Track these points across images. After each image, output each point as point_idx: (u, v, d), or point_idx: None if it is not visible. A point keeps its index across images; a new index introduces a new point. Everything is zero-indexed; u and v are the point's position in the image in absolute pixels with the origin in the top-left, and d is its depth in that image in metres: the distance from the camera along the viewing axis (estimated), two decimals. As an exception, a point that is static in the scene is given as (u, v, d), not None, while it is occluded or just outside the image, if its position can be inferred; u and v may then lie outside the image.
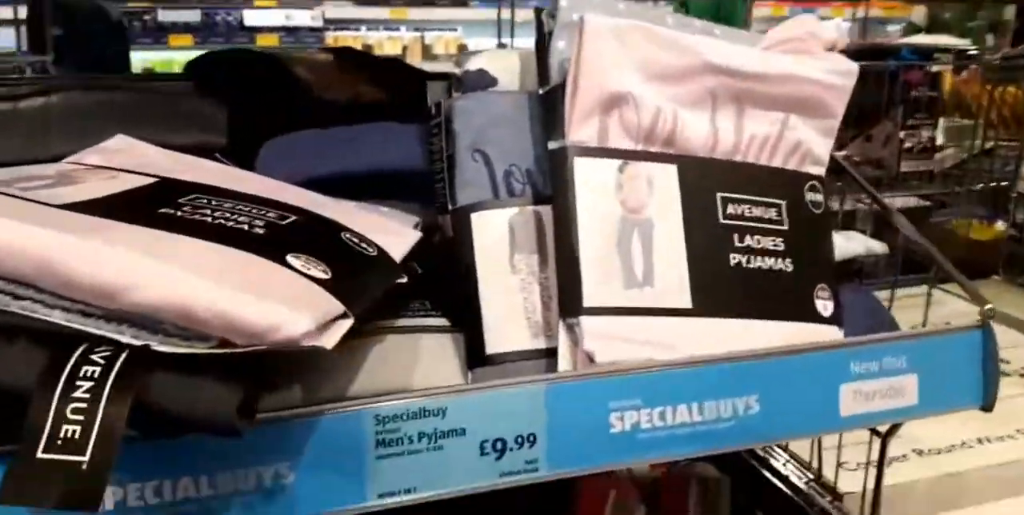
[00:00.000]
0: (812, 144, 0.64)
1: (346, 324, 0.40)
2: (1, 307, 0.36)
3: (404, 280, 0.52)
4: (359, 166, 0.66)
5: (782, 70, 0.61)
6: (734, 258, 0.58)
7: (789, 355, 0.53)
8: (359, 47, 4.18)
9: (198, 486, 0.42)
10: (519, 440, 0.47)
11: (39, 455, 0.33)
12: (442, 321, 0.58)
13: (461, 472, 0.46)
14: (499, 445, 0.47)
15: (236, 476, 0.42)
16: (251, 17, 4.41)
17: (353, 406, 0.44)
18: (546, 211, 0.57)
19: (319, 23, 4.40)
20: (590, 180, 0.56)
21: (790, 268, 0.60)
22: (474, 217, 0.58)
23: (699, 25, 0.65)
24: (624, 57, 0.56)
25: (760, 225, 0.60)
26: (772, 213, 0.61)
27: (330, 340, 0.38)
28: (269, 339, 0.35)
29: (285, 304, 0.36)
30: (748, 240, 0.59)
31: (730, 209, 0.59)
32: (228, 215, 0.46)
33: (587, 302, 0.53)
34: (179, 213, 0.44)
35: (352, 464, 0.44)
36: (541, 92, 0.59)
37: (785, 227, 0.61)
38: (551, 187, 0.57)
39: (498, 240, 0.57)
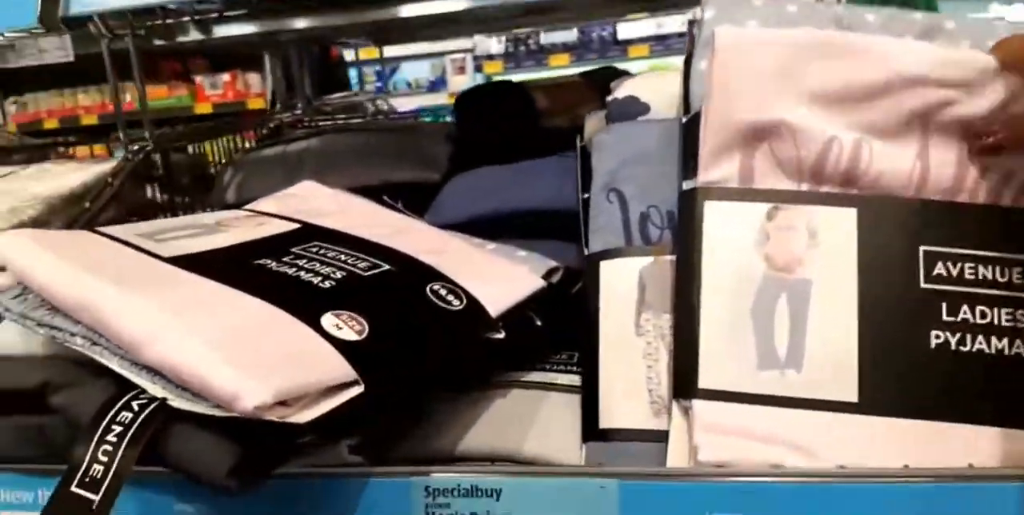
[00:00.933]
0: None
1: (352, 392, 0.38)
2: (85, 350, 0.42)
3: (500, 335, 0.48)
4: (515, 205, 0.63)
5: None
6: (938, 337, 0.42)
7: (980, 481, 0.37)
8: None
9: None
10: (585, 540, 0.40)
11: (72, 489, 0.37)
12: (577, 379, 0.53)
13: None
14: (560, 542, 0.41)
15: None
16: (624, 30, 4.56)
17: (403, 473, 0.42)
18: (687, 262, 0.48)
19: (689, 27, 4.38)
20: (724, 229, 0.45)
21: None
22: (603, 266, 0.51)
23: (919, 20, 0.48)
24: (774, 76, 0.44)
25: (988, 291, 0.43)
26: (1014, 274, 0.43)
27: (306, 414, 0.36)
28: (234, 408, 0.35)
29: (256, 374, 0.36)
30: (964, 312, 0.42)
31: (939, 268, 0.43)
32: (318, 267, 0.47)
33: (703, 382, 0.43)
34: (273, 263, 0.47)
35: (401, 533, 0.42)
36: (683, 120, 0.50)
37: None
38: (677, 231, 0.47)
39: (626, 294, 0.49)
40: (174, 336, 0.38)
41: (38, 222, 0.65)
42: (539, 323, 0.53)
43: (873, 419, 0.41)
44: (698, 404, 0.42)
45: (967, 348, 0.42)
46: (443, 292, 0.48)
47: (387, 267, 0.49)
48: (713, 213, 0.45)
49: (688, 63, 0.50)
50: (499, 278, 0.53)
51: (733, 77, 0.44)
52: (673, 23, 4.52)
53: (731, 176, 0.45)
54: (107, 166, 0.77)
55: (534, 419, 0.51)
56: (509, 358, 0.54)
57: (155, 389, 0.39)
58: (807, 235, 0.44)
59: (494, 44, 4.61)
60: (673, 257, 0.49)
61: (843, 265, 0.43)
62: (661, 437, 0.45)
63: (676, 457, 0.43)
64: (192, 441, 0.38)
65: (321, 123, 1.13)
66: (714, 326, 0.43)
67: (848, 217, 0.44)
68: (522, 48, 4.71)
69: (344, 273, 0.47)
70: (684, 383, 0.43)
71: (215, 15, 0.80)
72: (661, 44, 4.52)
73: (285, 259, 0.48)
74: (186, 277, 0.45)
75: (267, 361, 0.37)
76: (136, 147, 0.77)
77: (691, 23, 0.51)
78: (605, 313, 0.50)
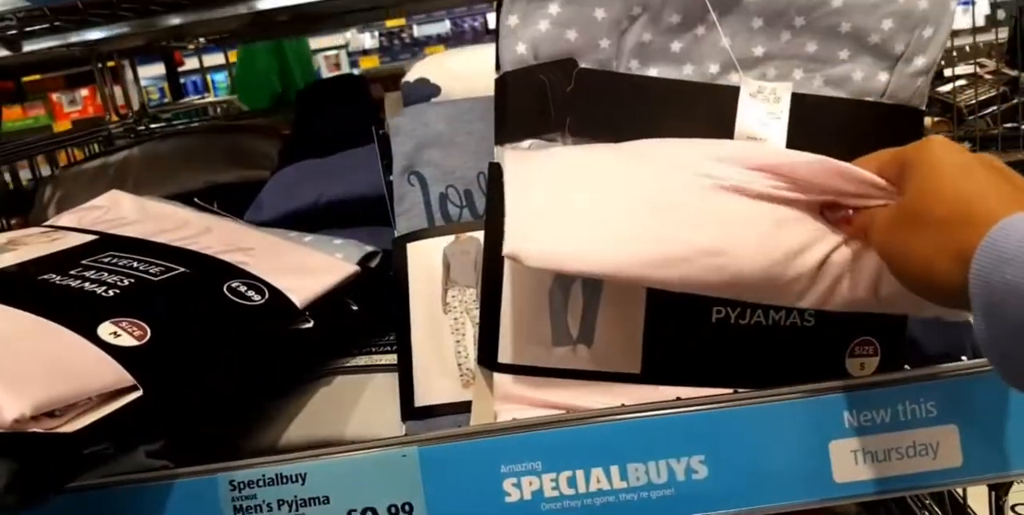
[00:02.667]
0: None
1: (129, 397, 0.38)
2: None
3: (309, 325, 0.49)
4: (336, 193, 0.63)
5: None
6: (718, 312, 0.45)
7: (747, 403, 0.40)
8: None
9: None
10: (392, 510, 0.42)
11: None
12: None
13: (329, 539, 0.42)
14: None
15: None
16: (494, 19, 4.56)
17: (207, 471, 0.43)
18: (484, 237, 0.50)
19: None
20: None
21: (811, 322, 0.45)
22: (410, 247, 0.52)
23: None
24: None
25: None
26: None
27: (74, 424, 0.36)
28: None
29: (15, 387, 0.36)
30: None
31: None
32: (105, 276, 0.47)
33: (503, 357, 0.45)
34: (56, 278, 0.46)
35: (212, 529, 0.43)
36: (495, 78, 0.51)
37: None
38: (485, 210, 0.49)
39: (432, 273, 0.51)
40: None
41: None
42: (355, 308, 0.54)
43: (653, 388, 0.44)
44: (498, 377, 0.44)
45: (746, 321, 0.45)
46: (242, 288, 0.48)
47: (181, 270, 0.49)
48: None
49: (498, 18, 0.49)
50: (308, 269, 0.53)
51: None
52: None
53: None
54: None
55: (357, 402, 0.52)
56: (327, 346, 0.54)
57: None
58: None
59: (368, 39, 4.54)
60: (472, 234, 0.51)
61: None
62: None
63: (479, 418, 0.45)
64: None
65: (155, 132, 1.10)
66: (515, 303, 0.45)
67: None
68: (396, 41, 4.66)
69: (132, 280, 0.47)
70: (486, 356, 0.45)
71: (14, 32, 0.76)
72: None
73: (72, 272, 0.47)
74: None
75: (28, 373, 0.37)
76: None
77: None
78: (415, 293, 0.51)
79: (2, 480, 0.36)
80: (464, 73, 0.57)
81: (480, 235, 0.50)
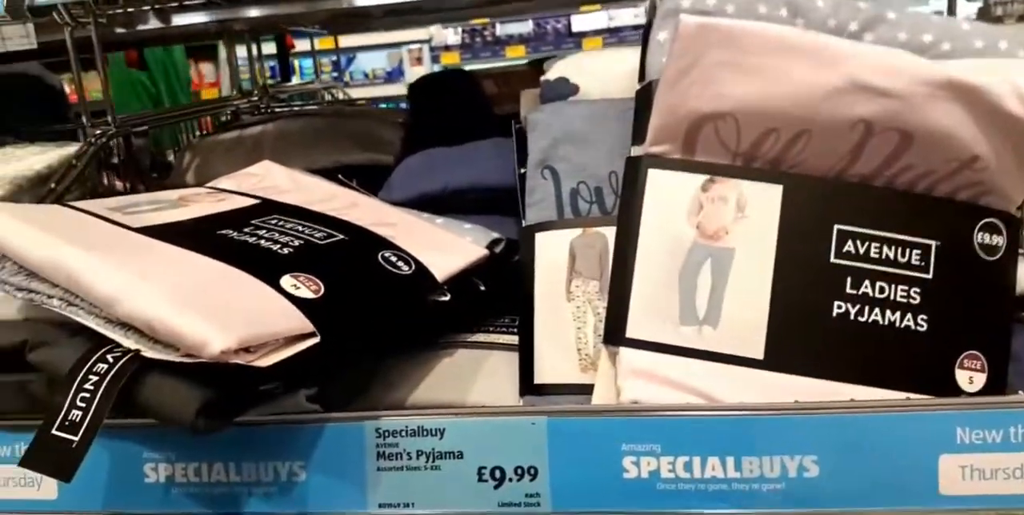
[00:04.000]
0: (1003, 178, 0.49)
1: (309, 342, 0.43)
2: (61, 311, 0.46)
3: (446, 298, 0.53)
4: (462, 182, 0.68)
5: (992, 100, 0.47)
6: (839, 307, 0.48)
7: (865, 411, 0.43)
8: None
9: (228, 472, 0.48)
10: (519, 471, 0.46)
11: (53, 432, 0.41)
12: (515, 339, 0.58)
13: (459, 494, 0.46)
14: (497, 474, 0.46)
15: (258, 468, 0.48)
16: (578, 22, 4.61)
17: (355, 418, 0.47)
18: (611, 233, 0.54)
19: (642, 20, 4.45)
20: (663, 196, 0.50)
21: (924, 327, 0.48)
22: (538, 237, 0.56)
23: (863, 9, 0.52)
24: (731, 70, 0.48)
25: (889, 270, 0.48)
26: (913, 255, 0.48)
27: (268, 360, 0.41)
28: (203, 354, 0.40)
29: (220, 323, 0.41)
30: (865, 287, 0.48)
31: (848, 246, 0.48)
32: (276, 236, 0.52)
33: (631, 332, 0.49)
34: (234, 233, 0.52)
35: (355, 472, 0.47)
36: (638, 87, 0.54)
37: (929, 275, 0.48)
38: (620, 199, 0.53)
39: (558, 263, 0.55)
40: (144, 292, 0.43)
41: (5, 201, 0.68)
42: (483, 288, 0.58)
43: (775, 375, 0.47)
44: (625, 351, 0.48)
45: (864, 319, 0.48)
46: (393, 259, 0.53)
47: (341, 237, 0.54)
48: (655, 180, 0.50)
49: (647, 31, 0.53)
50: (445, 248, 0.58)
51: (691, 66, 0.48)
52: (625, 15, 4.59)
53: (675, 149, 0.50)
54: (70, 149, 0.80)
55: (477, 375, 0.57)
56: (455, 320, 0.59)
57: (128, 342, 0.43)
58: (736, 207, 0.49)
59: (451, 35, 4.62)
60: (599, 229, 0.55)
61: (764, 237, 0.49)
62: (587, 390, 0.51)
63: (601, 398, 0.49)
64: (163, 387, 0.42)
65: (277, 110, 1.16)
66: (645, 283, 0.49)
67: (774, 193, 0.49)
68: (478, 39, 4.73)
69: (301, 242, 0.52)
70: (614, 332, 0.49)
71: (175, 4, 0.83)
72: (614, 36, 4.59)
73: (246, 230, 0.53)
74: (154, 244, 0.49)
75: (231, 313, 0.42)
76: (99, 131, 0.79)
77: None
78: (540, 280, 0.56)
79: (196, 405, 0.41)
80: (602, 75, 0.61)
81: (607, 231, 0.54)
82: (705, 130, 0.50)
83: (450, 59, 4.59)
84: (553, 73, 0.62)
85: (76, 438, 0.41)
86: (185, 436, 0.48)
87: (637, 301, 0.49)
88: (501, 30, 4.82)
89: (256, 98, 1.14)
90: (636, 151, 0.52)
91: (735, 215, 0.50)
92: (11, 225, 0.49)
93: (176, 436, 0.48)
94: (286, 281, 0.46)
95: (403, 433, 0.47)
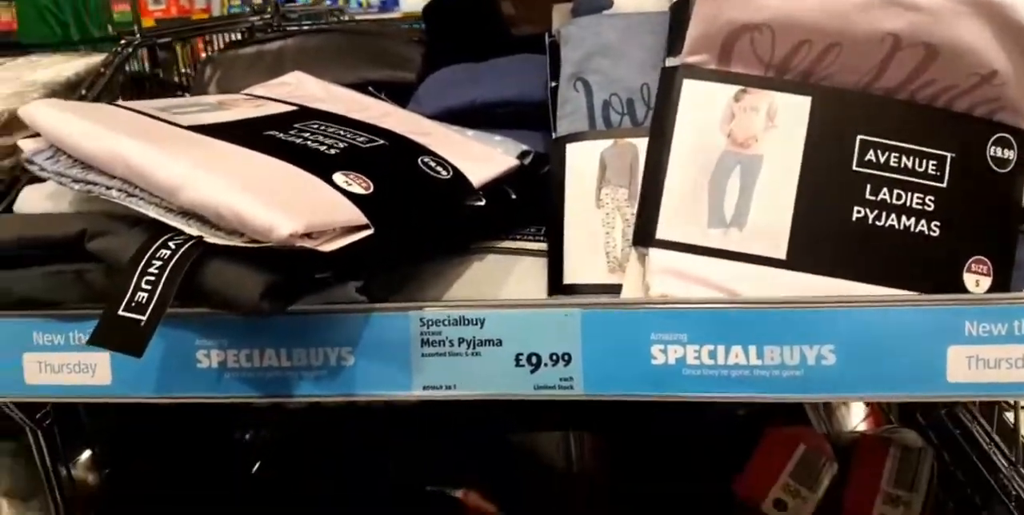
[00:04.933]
0: (1019, 94, 0.51)
1: (363, 233, 0.45)
2: (121, 201, 0.48)
3: (481, 203, 0.55)
4: (489, 96, 0.69)
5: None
6: (858, 212, 0.50)
7: (881, 305, 0.46)
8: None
9: (278, 357, 0.51)
10: (553, 357, 0.49)
11: (119, 312, 0.44)
12: (544, 246, 0.61)
13: (498, 378, 0.50)
14: (534, 359, 0.49)
15: (308, 353, 0.51)
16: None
17: (402, 308, 0.50)
18: (642, 144, 0.56)
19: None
20: (697, 105, 0.52)
21: (936, 232, 0.50)
22: (569, 148, 0.58)
23: None
24: None
25: (907, 178, 0.51)
26: (930, 166, 0.51)
27: (329, 245, 0.43)
28: (270, 238, 0.42)
29: (285, 209, 0.43)
30: (884, 194, 0.50)
31: (869, 155, 0.51)
32: (321, 138, 0.54)
33: (660, 233, 0.52)
34: (280, 135, 0.53)
35: (401, 357, 0.50)
36: (673, 2, 0.56)
37: (943, 184, 0.51)
38: (654, 108, 0.55)
39: (588, 172, 0.57)
40: (208, 180, 0.44)
41: (40, 105, 0.69)
42: (513, 197, 0.60)
43: (796, 274, 0.50)
44: (654, 252, 0.51)
45: (881, 223, 0.50)
46: (432, 164, 0.55)
47: (382, 142, 0.56)
48: (689, 90, 0.52)
49: None
50: (478, 157, 0.60)
51: None
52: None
53: (710, 59, 0.52)
54: (96, 58, 0.80)
55: (508, 277, 0.60)
56: (486, 226, 0.61)
57: (190, 229, 0.46)
58: (766, 117, 0.52)
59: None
60: (633, 139, 0.57)
61: (792, 145, 0.51)
62: (614, 290, 0.54)
63: (629, 293, 0.52)
64: (226, 271, 0.45)
65: (288, 29, 1.16)
66: (676, 188, 0.51)
67: (803, 104, 0.51)
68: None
69: (345, 144, 0.53)
70: (644, 233, 0.52)
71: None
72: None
73: (291, 132, 0.54)
74: (207, 140, 0.51)
75: (292, 200, 0.44)
76: (124, 41, 0.80)
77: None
78: (570, 188, 0.58)
79: (260, 288, 0.44)
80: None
81: (638, 142, 0.56)
82: (741, 41, 0.51)
83: (449, -10, 4.45)
84: (587, -15, 0.62)
85: (143, 317, 0.43)
86: (236, 323, 0.51)
87: (667, 205, 0.51)
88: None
89: (269, 16, 1.13)
90: (671, 62, 0.53)
91: (765, 124, 0.52)
92: (65, 118, 0.51)
93: (227, 323, 0.51)
94: (338, 177, 0.48)
95: (446, 322, 0.50)
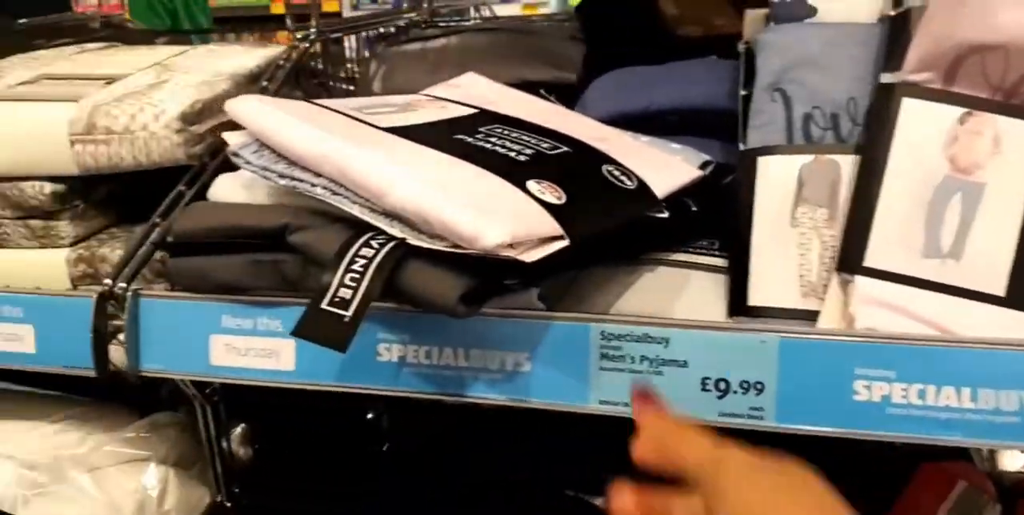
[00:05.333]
0: None
1: (559, 244, 0.44)
2: (325, 199, 0.49)
3: (664, 215, 0.54)
4: (667, 102, 0.67)
5: None
6: None
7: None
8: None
9: (456, 357, 0.52)
10: (744, 385, 0.47)
11: (323, 306, 0.45)
12: (719, 261, 0.59)
13: (681, 400, 0.48)
14: (722, 385, 0.48)
15: (485, 356, 0.51)
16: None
17: (582, 319, 0.49)
18: (846, 162, 0.53)
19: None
20: (917, 126, 0.49)
21: None
22: (760, 161, 0.56)
23: None
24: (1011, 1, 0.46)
25: None
26: None
27: (532, 255, 0.43)
28: (475, 246, 0.42)
29: (491, 219, 0.42)
30: None
31: None
32: (508, 143, 0.53)
33: (869, 261, 0.48)
34: (470, 139, 0.53)
35: (578, 369, 0.50)
36: (891, 13, 0.52)
37: None
38: (866, 125, 0.51)
39: (783, 188, 0.54)
40: (415, 185, 0.45)
41: (229, 95, 0.72)
42: (694, 209, 0.58)
43: (1014, 313, 0.46)
44: (860, 279, 0.48)
45: None
46: (616, 173, 0.54)
47: (565, 149, 0.55)
48: (909, 109, 0.49)
49: None
50: (659, 165, 0.58)
51: None
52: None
53: (934, 78, 0.49)
54: (273, 51, 0.83)
55: (679, 292, 0.57)
56: (665, 238, 0.59)
57: (393, 230, 0.46)
58: (991, 142, 0.48)
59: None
60: (835, 156, 0.53)
61: (1018, 174, 0.47)
62: (807, 316, 0.51)
63: (826, 322, 0.49)
64: (427, 273, 0.45)
65: (440, 24, 1.17)
66: (889, 213, 0.48)
67: None
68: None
69: (532, 150, 0.53)
70: (850, 260, 0.49)
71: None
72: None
73: (478, 136, 0.54)
74: (405, 143, 0.51)
75: (497, 210, 0.44)
76: (300, 35, 0.82)
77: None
78: (760, 203, 0.55)
79: (458, 291, 0.44)
80: (844, -1, 0.58)
81: (841, 159, 0.53)
82: (970, 61, 0.48)
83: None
84: (789, -8, 0.59)
85: (348, 313, 0.44)
86: (419, 320, 0.52)
87: (878, 231, 0.48)
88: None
89: (426, 14, 1.15)
90: (887, 78, 0.50)
91: (991, 150, 0.48)
92: (274, 116, 0.52)
93: (410, 319, 0.52)
94: (532, 185, 0.47)
95: (628, 338, 0.49)
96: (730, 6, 0.91)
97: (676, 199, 0.57)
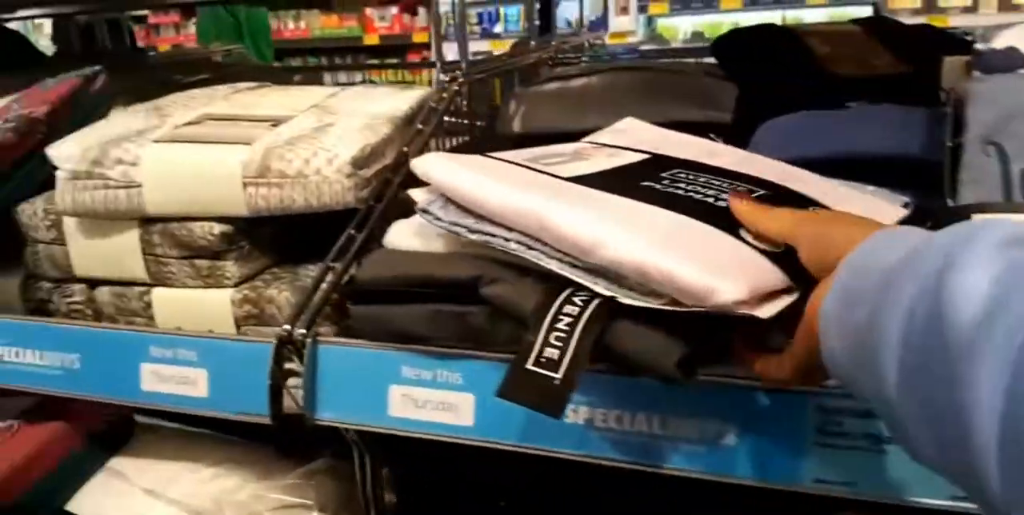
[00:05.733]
0: None
1: (789, 298, 0.42)
2: (520, 253, 0.48)
3: None
4: (859, 148, 0.64)
5: None
6: None
7: None
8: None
9: (650, 424, 0.49)
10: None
11: (527, 366, 0.43)
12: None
13: (908, 482, 0.44)
14: (954, 467, 0.44)
15: (683, 423, 0.49)
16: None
17: (797, 391, 0.46)
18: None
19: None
20: None
21: None
22: (975, 219, 0.52)
23: None
24: None
25: None
26: None
27: (767, 310, 0.40)
28: (707, 302, 0.40)
29: (723, 273, 0.40)
30: None
31: None
32: (699, 188, 0.51)
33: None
34: (658, 185, 0.51)
35: (791, 443, 0.46)
36: None
37: None
38: None
39: (1003, 248, 0.50)
40: (629, 239, 0.43)
41: (391, 138, 0.72)
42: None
43: None
44: None
45: None
46: None
47: (761, 191, 0.51)
48: None
49: None
50: (865, 206, 0.53)
51: None
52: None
53: None
54: (420, 92, 0.84)
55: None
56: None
57: (597, 287, 0.44)
58: None
59: (666, -17, 4.45)
60: (1060, 216, 0.49)
61: None
62: None
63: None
64: (641, 334, 0.43)
65: (566, 61, 1.17)
66: None
67: None
68: (688, -15, 4.52)
69: (726, 195, 0.49)
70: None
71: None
72: (839, -1, 4.24)
73: (664, 182, 0.52)
74: (596, 193, 0.49)
75: (726, 264, 0.41)
76: (448, 77, 0.82)
77: None
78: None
79: (676, 355, 0.42)
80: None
81: (1070, 220, 0.49)
82: None
83: (658, 9, 4.42)
84: (1000, 41, 0.56)
85: (558, 375, 0.42)
86: (609, 381, 0.49)
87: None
88: (719, -21, 4.57)
89: (550, 50, 1.15)
90: None
91: None
92: (461, 173, 0.51)
93: (599, 380, 0.50)
94: (745, 233, 0.45)
95: (848, 413, 0.45)
96: (886, 48, 0.88)
97: None
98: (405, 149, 0.74)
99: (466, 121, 0.86)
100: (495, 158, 0.57)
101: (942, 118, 0.58)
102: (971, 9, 3.48)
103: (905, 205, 0.57)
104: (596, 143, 0.65)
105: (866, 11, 3.85)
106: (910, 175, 0.61)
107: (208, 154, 0.69)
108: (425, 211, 0.53)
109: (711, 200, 0.49)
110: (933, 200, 0.58)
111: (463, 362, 0.53)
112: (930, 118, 0.61)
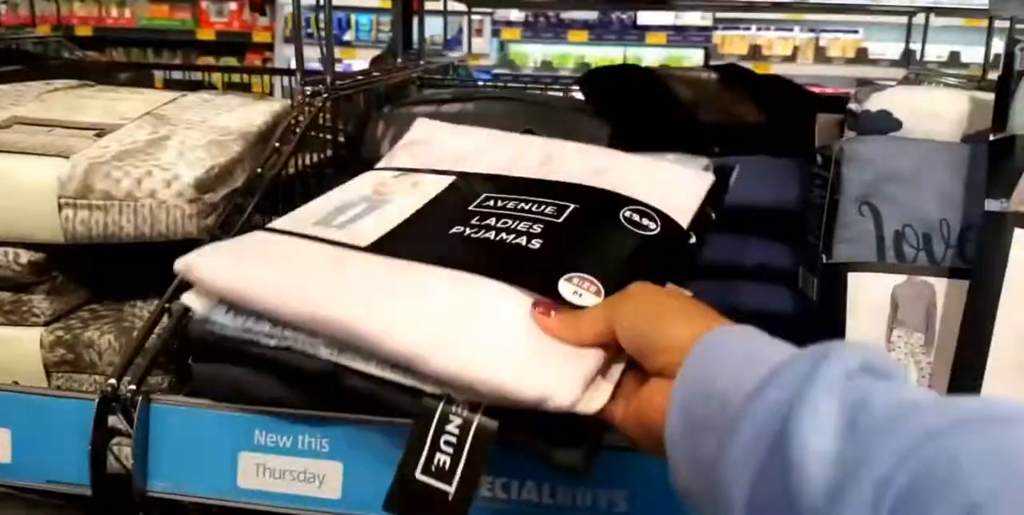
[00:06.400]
0: None
1: (617, 371, 0.38)
2: (333, 359, 0.41)
3: (693, 240, 0.49)
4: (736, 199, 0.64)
5: None
6: None
7: None
8: (746, 47, 4.08)
9: (540, 493, 0.45)
10: None
11: (417, 475, 0.37)
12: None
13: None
14: None
15: (575, 493, 0.45)
16: (643, 16, 4.54)
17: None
18: (941, 285, 0.51)
19: (708, 22, 4.39)
20: None
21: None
22: (851, 277, 0.53)
23: None
24: None
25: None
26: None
27: (596, 403, 0.37)
28: (545, 408, 0.36)
29: (552, 369, 0.37)
30: None
31: None
32: (510, 222, 0.46)
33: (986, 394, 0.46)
34: (468, 230, 0.46)
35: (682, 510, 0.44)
36: (991, 138, 0.51)
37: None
38: (976, 254, 0.50)
39: (876, 308, 0.52)
40: (446, 349, 0.38)
41: (238, 161, 0.63)
42: (713, 216, 0.53)
43: None
44: None
45: None
46: (636, 217, 0.47)
47: (572, 206, 0.47)
48: (1022, 240, 0.47)
49: (1005, 81, 0.50)
50: (672, 184, 0.51)
51: None
52: (691, 16, 4.53)
53: None
54: (276, 105, 0.76)
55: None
56: (694, 258, 0.51)
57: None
58: None
59: (514, 11, 4.54)
60: (928, 278, 0.51)
61: None
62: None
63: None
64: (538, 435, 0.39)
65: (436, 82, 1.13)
66: (1005, 346, 0.46)
67: None
68: (541, 19, 4.66)
69: (540, 225, 0.45)
70: (964, 393, 0.46)
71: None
72: (679, 35, 4.53)
73: (473, 222, 0.47)
74: (400, 266, 0.43)
75: (548, 351, 0.37)
76: (310, 91, 0.75)
77: (1012, 41, 0.50)
78: (852, 324, 0.52)
79: (583, 453, 0.38)
80: (929, 113, 0.57)
81: (935, 281, 0.51)
82: None
83: (511, 35, 4.51)
84: (874, 104, 0.58)
85: (451, 489, 0.37)
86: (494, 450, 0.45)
87: (994, 365, 0.46)
88: (565, 13, 4.75)
89: (417, 70, 1.10)
90: (993, 206, 0.49)
91: None
92: (242, 275, 0.43)
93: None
94: (565, 289, 0.40)
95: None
96: (745, 97, 0.91)
97: (703, 213, 0.51)
98: (259, 170, 0.66)
99: (329, 136, 0.79)
100: (275, 231, 0.49)
101: (812, 173, 0.59)
102: (790, 58, 3.84)
103: (706, 168, 0.56)
104: (396, 169, 0.57)
105: (699, 54, 4.13)
106: (782, 226, 0.63)
107: (16, 167, 0.57)
108: (207, 321, 0.44)
109: (523, 241, 0.44)
110: (806, 253, 0.59)
111: (328, 427, 0.47)
112: (800, 171, 0.62)
